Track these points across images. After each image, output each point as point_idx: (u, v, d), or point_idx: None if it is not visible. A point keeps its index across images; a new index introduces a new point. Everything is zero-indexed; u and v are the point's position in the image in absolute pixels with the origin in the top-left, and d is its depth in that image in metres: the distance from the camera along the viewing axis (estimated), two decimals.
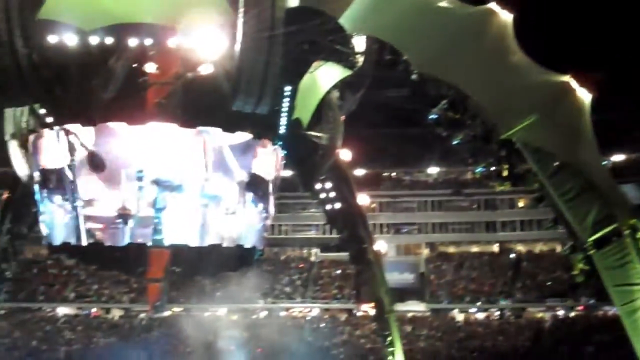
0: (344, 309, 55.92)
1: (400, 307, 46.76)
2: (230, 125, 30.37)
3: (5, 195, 39.92)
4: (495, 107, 25.36)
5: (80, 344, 46.79)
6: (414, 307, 54.65)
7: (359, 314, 54.29)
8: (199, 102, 30.97)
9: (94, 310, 58.10)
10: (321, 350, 44.77)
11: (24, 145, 33.25)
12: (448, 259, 60.70)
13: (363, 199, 39.59)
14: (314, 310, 56.60)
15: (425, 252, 62.77)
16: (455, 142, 32.50)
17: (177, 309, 51.84)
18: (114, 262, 32.23)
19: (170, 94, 30.44)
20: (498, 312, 53.95)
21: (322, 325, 51.74)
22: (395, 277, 51.08)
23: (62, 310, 57.14)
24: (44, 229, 32.31)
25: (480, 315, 54.38)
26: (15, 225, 39.05)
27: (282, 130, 33.12)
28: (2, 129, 33.39)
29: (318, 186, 37.84)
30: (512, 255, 60.14)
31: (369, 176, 58.07)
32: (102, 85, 29.58)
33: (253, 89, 28.90)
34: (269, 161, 32.34)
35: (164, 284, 32.73)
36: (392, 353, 38.75)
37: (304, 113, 34.33)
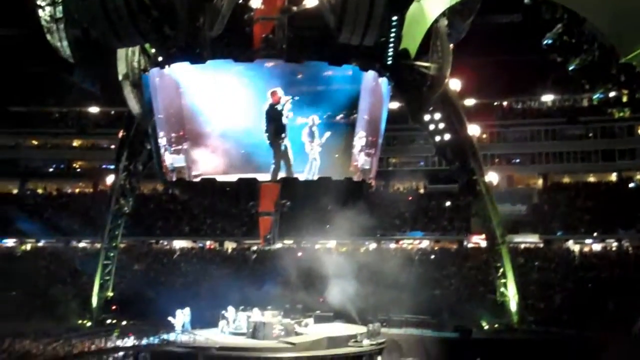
0: (454, 240, 55.49)
1: (512, 238, 45.84)
2: (336, 58, 30.19)
3: (121, 134, 41.34)
4: (614, 30, 24.05)
5: (196, 276, 48.34)
6: (527, 239, 53.58)
7: (470, 245, 53.79)
8: (305, 36, 30.86)
9: (208, 243, 59.99)
10: (431, 282, 44.67)
11: (136, 84, 34.20)
12: (562, 189, 58.93)
13: (474, 129, 38.81)
14: (423, 242, 56.43)
15: (539, 182, 61.18)
16: (571, 68, 31.22)
17: (287, 242, 52.76)
18: (226, 197, 33.05)
19: (276, 29, 30.46)
20: (616, 244, 52.12)
21: (432, 257, 51.50)
22: (507, 209, 50.10)
23: (178, 244, 59.20)
24: (158, 166, 33.40)
25: (597, 247, 52.74)
26: (131, 163, 40.50)
27: (389, 61, 32.71)
28: (116, 70, 34.40)
29: (427, 117, 37.36)
30: (631, 185, 57.82)
31: (480, 106, 56.75)
32: (209, 23, 29.88)
33: (359, 21, 28.53)
34: (377, 94, 32.07)
35: (275, 218, 33.21)
36: (505, 285, 38.39)
37: (411, 43, 33.71)
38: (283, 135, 30.00)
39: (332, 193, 31.35)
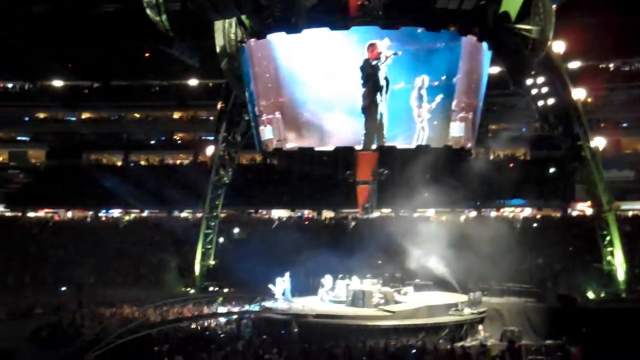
0: (558, 208, 54.01)
1: (619, 205, 44.17)
2: (434, 23, 29.50)
3: (219, 105, 41.87)
4: None
5: (294, 245, 48.77)
6: (635, 206, 51.60)
7: (575, 213, 52.27)
8: (402, 2, 30.26)
9: (306, 212, 60.47)
10: (534, 251, 43.65)
11: (233, 56, 34.45)
12: None
13: (578, 93, 37.44)
14: (525, 210, 55.19)
15: None
16: None
17: (385, 211, 52.56)
18: (323, 166, 33.04)
19: None
20: None
21: (535, 225, 50.31)
22: (613, 175, 48.26)
23: (277, 213, 59.91)
24: (256, 136, 33.65)
25: None
26: (229, 134, 41.02)
27: (488, 25, 31.76)
28: (213, 42, 34.73)
29: (529, 82, 36.22)
30: None
31: (585, 68, 54.57)
32: None
33: None
34: (477, 59, 31.25)
35: (373, 186, 33.03)
36: (611, 253, 37.14)
37: (512, 5, 32.58)
38: (379, 99, 29.39)
39: (430, 161, 30.87)
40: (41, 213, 63.27)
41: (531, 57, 33.99)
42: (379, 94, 29.21)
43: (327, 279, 34.18)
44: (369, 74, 29.13)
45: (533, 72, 35.66)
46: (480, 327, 30.92)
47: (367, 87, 29.22)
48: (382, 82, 29.17)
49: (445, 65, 29.61)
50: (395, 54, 28.79)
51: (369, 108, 29.38)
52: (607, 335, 26.97)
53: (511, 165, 58.05)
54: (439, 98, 29.46)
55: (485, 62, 32.03)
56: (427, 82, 29.25)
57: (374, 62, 28.99)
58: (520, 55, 34.03)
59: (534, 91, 36.52)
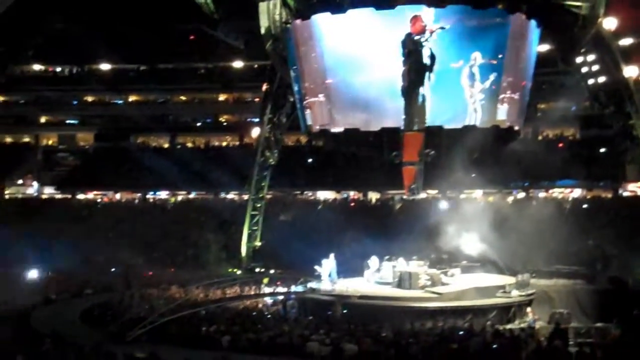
0: (608, 189, 52.98)
1: None
2: (480, 0, 28.97)
3: (264, 87, 41.87)
4: None
5: (340, 226, 48.72)
6: None
7: (626, 194, 51.23)
8: None
9: (352, 194, 60.34)
10: (583, 232, 42.88)
11: (278, 37, 34.37)
12: None
13: (630, 70, 36.54)
14: (575, 191, 54.26)
15: None
16: None
17: (432, 192, 52.13)
18: (369, 147, 32.87)
19: None
20: None
21: (585, 206, 49.43)
22: None
23: (322, 195, 59.88)
24: (302, 118, 33.59)
25: None
26: (275, 115, 41.02)
27: (537, 2, 31.11)
28: (258, 24, 34.68)
29: (579, 60, 35.44)
30: None
31: (636, 46, 53.02)
32: None
33: None
34: (526, 37, 30.65)
35: (419, 167, 32.74)
36: None
37: None
38: (422, 79, 28.81)
39: (478, 141, 30.45)
40: (90, 195, 64.29)
41: (581, 34, 33.29)
42: (421, 74, 28.68)
43: (373, 261, 34.03)
44: (411, 51, 28.53)
45: (583, 50, 34.93)
46: (529, 309, 30.51)
47: (407, 65, 28.70)
48: (426, 60, 28.66)
49: (493, 43, 29.11)
50: (442, 28, 28.20)
51: (410, 89, 28.84)
52: None
53: (560, 145, 56.99)
54: (492, 76, 28.90)
55: (534, 39, 31.41)
56: (479, 60, 28.68)
57: (416, 38, 28.45)
58: (570, 33, 33.36)
59: (584, 69, 35.75)
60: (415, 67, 28.57)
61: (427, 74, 28.64)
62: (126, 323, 25.84)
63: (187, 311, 27.23)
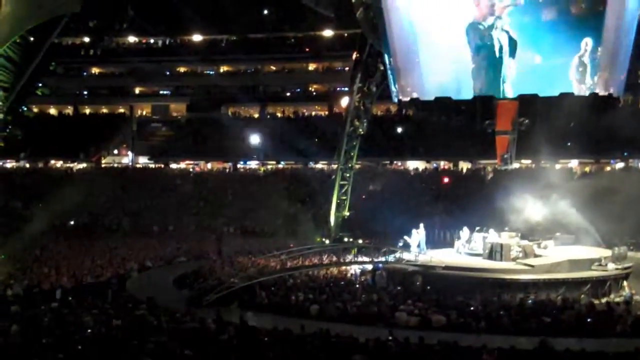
0: None
1: None
2: None
3: (354, 56, 41.47)
4: None
5: (430, 196, 48.26)
6: None
7: None
8: None
9: (442, 164, 59.58)
10: None
11: (369, 5, 33.87)
12: None
13: None
14: None
15: None
16: None
17: (525, 162, 50.91)
18: (462, 115, 32.18)
19: None
20: None
21: None
22: None
23: (412, 164, 59.33)
24: (392, 87, 33.12)
25: None
26: (365, 85, 40.58)
27: None
28: None
29: None
30: None
31: None
32: None
33: None
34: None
35: (513, 136, 31.92)
36: None
37: None
38: (500, 72, 27.95)
39: (575, 109, 29.33)
40: (182, 165, 65.62)
41: None
42: (499, 68, 27.98)
43: (464, 232, 33.47)
44: (478, 45, 28.00)
45: None
46: (625, 283, 29.41)
47: (477, 62, 28.14)
48: (502, 50, 27.88)
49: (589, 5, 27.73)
50: (513, 5, 27.20)
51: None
52: None
53: None
54: (590, 41, 27.61)
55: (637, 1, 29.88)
56: (590, 46, 27.50)
57: (483, 26, 27.70)
58: None
59: None
60: (489, 63, 27.91)
61: (505, 64, 27.80)
62: (204, 288, 26.41)
63: (263, 278, 27.58)
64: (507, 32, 27.81)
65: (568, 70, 27.95)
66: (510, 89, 28.71)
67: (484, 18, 27.90)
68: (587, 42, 27.56)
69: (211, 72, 71.18)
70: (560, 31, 27.58)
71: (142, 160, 67.98)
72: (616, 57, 29.32)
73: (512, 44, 27.83)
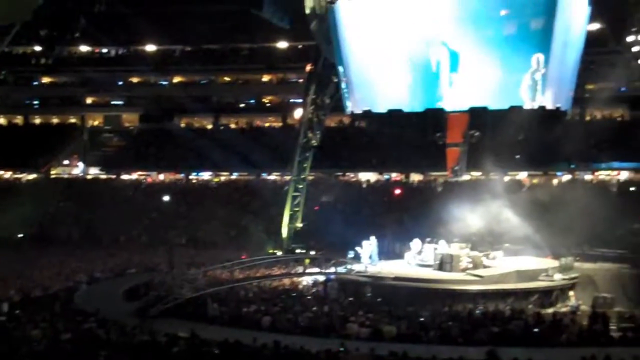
0: None
1: None
2: None
3: (308, 68, 41.71)
4: None
5: (382, 207, 48.59)
6: None
7: None
8: None
9: (394, 175, 59.98)
10: (630, 215, 42.10)
11: (323, 17, 34.15)
12: None
13: None
14: (622, 173, 53.20)
15: None
16: None
17: (475, 174, 51.58)
18: (413, 128, 32.59)
19: None
20: None
21: (632, 189, 48.42)
22: None
23: (364, 176, 59.63)
24: (345, 99, 33.41)
25: None
26: (318, 96, 40.85)
27: None
28: (303, 4, 34.48)
29: (630, 38, 34.62)
30: None
31: None
32: None
33: None
34: (574, 15, 29.93)
35: (463, 149, 32.39)
36: None
37: None
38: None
39: (523, 122, 29.95)
40: (134, 176, 64.97)
41: (633, 12, 32.55)
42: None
43: (414, 243, 33.82)
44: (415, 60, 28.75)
45: (634, 29, 34.06)
46: (572, 293, 30.06)
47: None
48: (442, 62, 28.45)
49: (541, 23, 28.34)
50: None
51: None
52: None
53: (609, 126, 55.86)
54: (540, 57, 28.24)
55: (585, 19, 30.68)
56: (541, 62, 28.18)
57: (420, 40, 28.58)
58: (622, 11, 32.61)
59: (635, 48, 34.89)
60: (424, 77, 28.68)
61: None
62: (152, 300, 26.31)
63: (214, 289, 27.68)
64: (446, 46, 28.33)
65: (520, 85, 28.50)
66: (452, 103, 29.19)
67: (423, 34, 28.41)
68: (539, 58, 28.21)
69: (164, 83, 70.56)
70: (511, 46, 28.19)
71: (93, 171, 67.05)
72: (564, 73, 30.09)
73: (454, 58, 28.33)
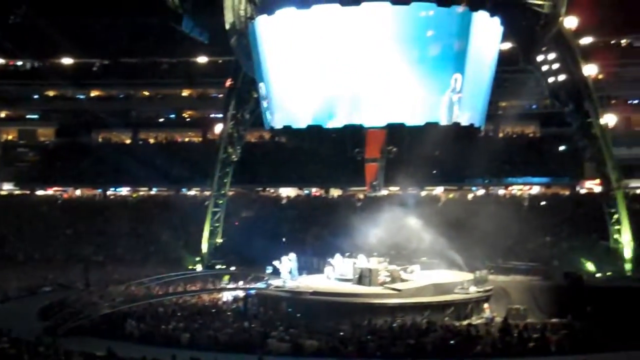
0: (566, 186, 53.78)
1: (628, 183, 43.97)
2: None
3: (228, 83, 41.69)
4: None
5: (302, 223, 48.81)
6: None
7: (583, 191, 51.98)
8: None
9: (314, 190, 60.41)
10: (541, 229, 43.55)
11: (243, 33, 34.22)
12: None
13: (590, 69, 37.08)
14: (534, 188, 54.97)
15: None
16: None
17: (393, 189, 52.39)
18: (332, 143, 32.89)
19: None
20: None
21: (543, 203, 50.04)
22: (623, 152, 47.91)
23: (285, 191, 59.86)
24: (265, 114, 33.50)
25: None
26: (238, 112, 40.88)
27: (500, 0, 31.36)
28: (223, 19, 34.48)
29: (540, 58, 35.83)
30: None
31: (597, 44, 53.74)
32: None
33: None
34: (487, 35, 30.86)
35: (381, 164, 32.87)
36: (619, 231, 36.98)
37: None
38: None
39: (439, 138, 30.65)
40: (50, 191, 63.47)
41: (543, 33, 33.73)
42: None
43: (336, 258, 34.13)
44: None
45: (544, 48, 35.33)
46: (486, 305, 30.86)
47: None
48: None
49: (456, 42, 29.08)
50: None
51: None
52: (612, 314, 26.76)
53: (520, 141, 57.76)
54: (455, 75, 28.97)
55: (496, 38, 31.67)
56: (460, 81, 28.91)
57: None
58: (532, 31, 33.77)
59: (544, 67, 36.17)
60: None
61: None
62: (64, 318, 25.86)
63: (130, 306, 27.35)
64: (369, 63, 28.79)
65: (439, 104, 29.13)
66: (371, 119, 29.66)
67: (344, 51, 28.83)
68: (457, 78, 28.95)
69: (82, 97, 69.22)
70: (434, 66, 28.83)
71: (7, 187, 65.15)
72: (479, 91, 30.96)
73: (376, 75, 28.84)
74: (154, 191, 62.01)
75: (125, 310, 26.72)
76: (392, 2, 28.66)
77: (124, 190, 62.55)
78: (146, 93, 69.58)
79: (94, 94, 69.57)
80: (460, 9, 29.04)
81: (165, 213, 52.63)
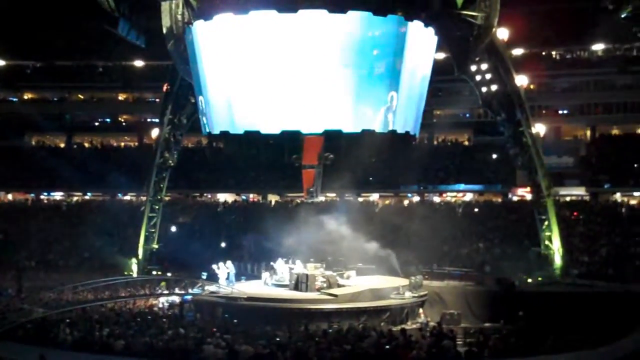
0: (499, 193, 54.95)
1: (558, 191, 45.21)
2: (380, 7, 29.52)
3: (165, 87, 41.40)
4: None
5: (239, 229, 48.71)
6: (573, 191, 52.87)
7: (515, 198, 53.18)
8: None
9: (251, 196, 60.36)
10: (474, 235, 44.41)
11: (180, 38, 34.06)
12: (611, 141, 57.79)
13: (521, 79, 37.99)
14: (467, 195, 55.98)
15: (587, 134, 59.94)
16: (622, 16, 30.17)
17: (330, 195, 52.77)
18: (269, 149, 32.96)
19: None
20: None
21: (476, 210, 51.05)
22: (553, 161, 49.44)
23: (222, 197, 59.65)
24: (202, 119, 33.39)
25: None
26: (175, 116, 40.61)
27: (435, 10, 31.95)
28: (160, 23, 34.26)
29: (473, 68, 36.59)
30: None
31: (528, 55, 55.12)
32: None
33: None
34: (421, 45, 31.42)
35: (318, 170, 33.09)
36: (549, 238, 37.93)
37: None
38: None
39: (375, 145, 31.02)
40: None
41: (476, 44, 34.41)
42: None
43: (278, 262, 34.23)
44: None
45: (477, 59, 36.05)
46: (421, 310, 31.40)
47: None
48: None
49: (391, 51, 29.50)
50: None
51: None
52: (544, 318, 27.50)
53: (453, 150, 58.78)
54: (390, 83, 29.37)
55: (431, 48, 32.24)
56: (395, 98, 29.31)
57: None
58: (466, 42, 34.44)
59: (478, 77, 36.91)
60: None
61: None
62: None
63: (61, 311, 27.06)
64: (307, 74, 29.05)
65: (376, 113, 29.48)
66: (309, 126, 29.90)
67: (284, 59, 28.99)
68: (393, 95, 29.36)
69: (14, 99, 67.81)
70: (370, 84, 29.20)
71: None
72: (414, 100, 31.46)
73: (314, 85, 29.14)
74: (88, 196, 61.05)
75: (58, 317, 26.22)
76: (328, 10, 28.90)
77: (58, 195, 61.43)
78: (81, 96, 68.57)
79: (27, 96, 68.24)
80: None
81: (100, 218, 51.86)
